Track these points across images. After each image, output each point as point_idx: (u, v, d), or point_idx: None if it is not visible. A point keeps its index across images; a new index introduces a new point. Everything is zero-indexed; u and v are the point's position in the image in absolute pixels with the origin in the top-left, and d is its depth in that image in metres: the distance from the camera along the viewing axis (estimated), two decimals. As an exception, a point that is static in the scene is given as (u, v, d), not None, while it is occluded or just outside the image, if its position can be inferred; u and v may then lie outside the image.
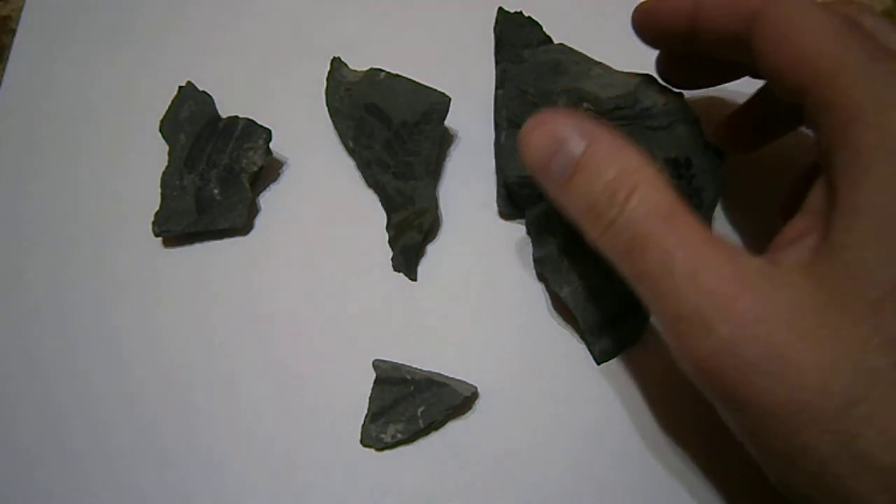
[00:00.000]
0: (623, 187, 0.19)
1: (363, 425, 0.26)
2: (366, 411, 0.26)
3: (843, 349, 0.16)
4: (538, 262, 0.27)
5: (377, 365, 0.27)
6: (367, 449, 0.26)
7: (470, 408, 0.26)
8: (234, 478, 0.26)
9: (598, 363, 0.27)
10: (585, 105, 0.25)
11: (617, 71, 0.27)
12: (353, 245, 0.29)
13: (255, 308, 0.29)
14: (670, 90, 0.26)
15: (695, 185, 0.25)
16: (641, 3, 0.24)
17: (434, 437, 0.26)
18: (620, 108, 0.25)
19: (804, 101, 0.19)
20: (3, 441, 0.27)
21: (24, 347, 0.28)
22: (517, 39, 0.29)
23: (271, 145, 0.30)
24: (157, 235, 0.29)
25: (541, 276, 0.28)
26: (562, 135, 0.20)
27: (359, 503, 0.25)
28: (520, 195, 0.28)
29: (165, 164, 0.31)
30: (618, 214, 0.19)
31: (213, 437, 0.27)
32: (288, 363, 0.28)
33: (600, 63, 0.28)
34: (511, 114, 0.28)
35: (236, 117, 0.30)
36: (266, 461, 0.26)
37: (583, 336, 0.27)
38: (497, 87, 0.29)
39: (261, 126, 0.30)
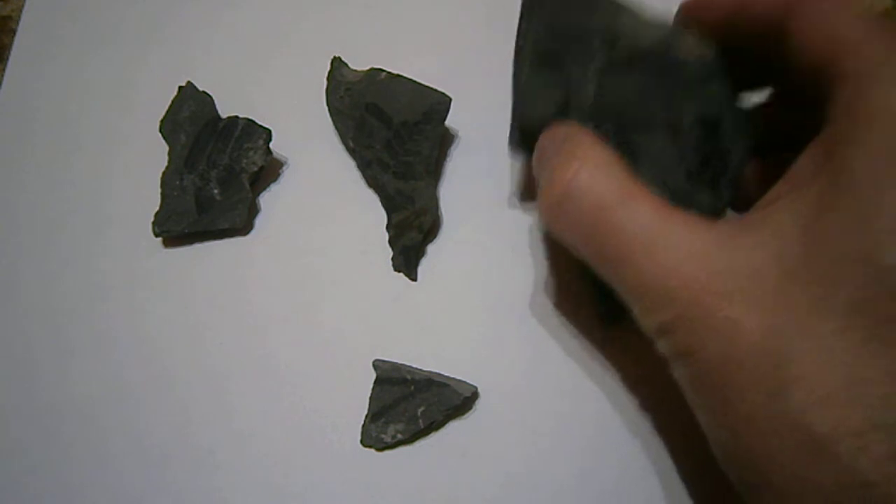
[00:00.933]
0: (571, 171, 0.20)
1: (363, 425, 0.26)
2: (366, 411, 0.26)
3: (789, 313, 0.17)
4: None
5: (377, 365, 0.27)
6: (367, 449, 0.26)
7: (470, 408, 0.26)
8: (234, 478, 0.26)
9: (606, 326, 0.27)
10: (620, 45, 0.23)
11: (651, 17, 0.24)
12: (353, 245, 0.29)
13: (254, 308, 0.29)
14: (706, 42, 0.23)
15: (722, 147, 0.23)
16: None
17: (434, 437, 0.26)
18: (655, 55, 0.23)
19: (823, 74, 0.19)
20: (2, 441, 0.27)
21: (22, 347, 0.28)
22: None
23: (271, 145, 0.30)
24: (157, 235, 0.29)
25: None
26: (554, 133, 0.22)
27: (359, 503, 0.25)
28: (535, 136, 0.24)
29: (165, 164, 0.31)
30: (569, 200, 0.20)
31: (213, 437, 0.27)
32: (288, 363, 0.28)
33: (633, 7, 0.25)
34: (538, 47, 0.24)
35: (236, 117, 0.30)
36: (266, 461, 0.26)
37: (594, 301, 0.27)
38: (521, 19, 0.26)
39: (261, 126, 0.30)
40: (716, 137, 0.23)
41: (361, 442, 0.26)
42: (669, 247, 0.19)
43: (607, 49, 0.23)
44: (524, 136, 0.25)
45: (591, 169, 0.20)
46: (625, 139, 0.22)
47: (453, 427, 0.26)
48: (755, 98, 0.25)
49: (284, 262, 0.29)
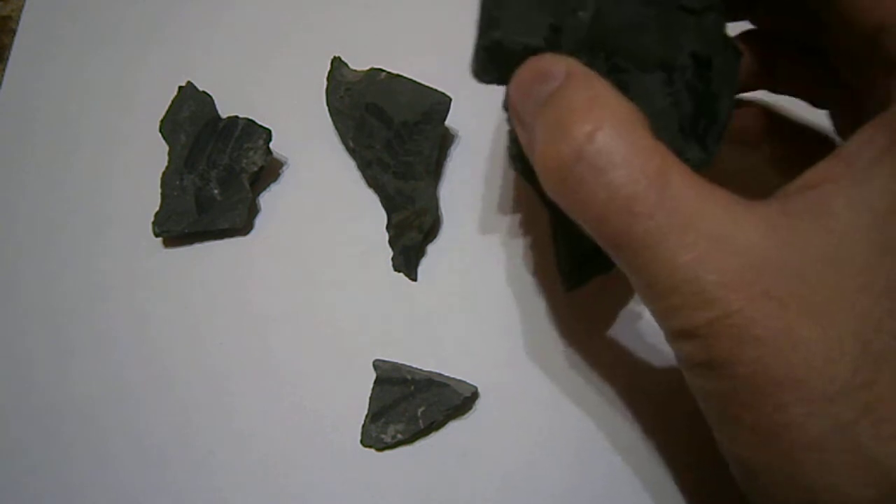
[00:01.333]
0: (587, 129, 0.16)
1: (363, 425, 0.26)
2: (366, 411, 0.26)
3: (853, 327, 0.15)
4: (516, 157, 0.23)
5: (377, 365, 0.27)
6: (367, 449, 0.26)
7: (470, 408, 0.26)
8: (234, 478, 0.26)
9: (567, 289, 0.26)
10: None
11: None
12: (353, 245, 0.29)
13: (255, 308, 0.29)
14: None
15: (712, 92, 0.20)
16: None
17: (434, 437, 0.26)
18: None
19: (885, 38, 0.17)
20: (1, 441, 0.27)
21: (22, 347, 0.28)
22: None
23: (271, 145, 0.30)
24: (157, 235, 0.29)
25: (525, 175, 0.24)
26: (548, 67, 0.18)
27: (358, 503, 0.25)
28: (509, 63, 0.20)
29: (165, 164, 0.31)
30: (583, 168, 0.16)
31: (213, 437, 0.27)
32: (288, 363, 0.28)
33: None
34: None
35: (236, 117, 0.30)
36: (266, 461, 0.26)
37: (557, 263, 0.26)
38: None
39: (261, 126, 0.30)
40: (708, 80, 0.20)
41: (361, 442, 0.26)
42: (710, 235, 0.15)
43: None
44: (495, 61, 0.20)
45: (612, 130, 0.16)
46: (617, 79, 0.19)
47: (453, 427, 0.26)
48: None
49: (284, 262, 0.29)
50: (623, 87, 0.19)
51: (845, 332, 0.15)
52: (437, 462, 0.26)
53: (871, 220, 0.15)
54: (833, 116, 0.22)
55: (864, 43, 0.18)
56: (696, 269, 0.15)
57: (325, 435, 0.26)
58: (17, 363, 0.28)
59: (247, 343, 0.28)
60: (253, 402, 0.27)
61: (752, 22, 0.23)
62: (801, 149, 0.24)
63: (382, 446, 0.26)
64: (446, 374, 0.27)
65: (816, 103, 0.23)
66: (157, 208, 0.30)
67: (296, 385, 0.27)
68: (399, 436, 0.26)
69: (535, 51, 0.19)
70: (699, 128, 0.20)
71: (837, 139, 0.23)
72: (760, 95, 0.25)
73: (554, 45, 0.19)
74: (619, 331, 0.27)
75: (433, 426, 0.26)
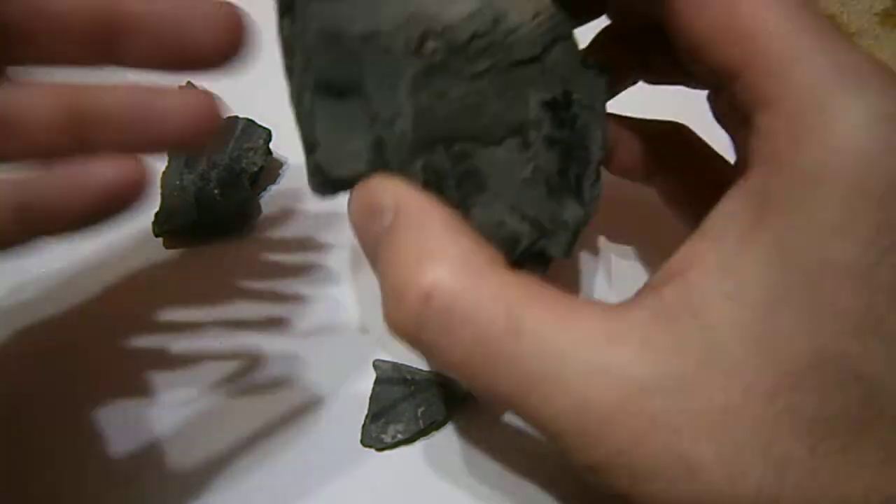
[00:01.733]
0: (425, 279, 0.15)
1: (363, 425, 0.26)
2: (366, 411, 0.26)
3: (749, 438, 0.14)
4: None
5: (377, 365, 0.27)
6: (367, 449, 0.26)
7: (470, 408, 0.26)
8: (233, 479, 0.26)
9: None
10: (431, 45, 0.17)
11: None
12: (354, 245, 0.29)
13: (254, 308, 0.29)
14: None
15: (578, 127, 0.18)
16: None
17: (434, 437, 0.26)
18: (480, 36, 0.17)
19: (730, 86, 0.15)
20: None
21: (22, 348, 0.28)
22: None
23: (271, 145, 0.30)
24: (157, 235, 0.29)
25: None
26: (377, 199, 0.17)
27: (359, 503, 0.25)
28: (339, 186, 0.19)
29: (165, 164, 0.31)
30: (429, 323, 0.15)
31: (212, 437, 0.27)
32: (288, 363, 0.28)
33: None
34: (315, 67, 0.18)
35: (236, 117, 0.31)
36: (265, 461, 0.26)
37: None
38: (280, 17, 0.19)
39: (261, 126, 0.30)
40: (571, 120, 0.18)
41: (361, 442, 0.26)
42: (581, 372, 0.14)
43: (416, 51, 0.17)
44: (326, 183, 0.18)
45: (449, 283, 0.15)
46: (465, 167, 0.18)
47: (453, 427, 0.26)
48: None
49: (284, 262, 0.29)
50: (472, 174, 0.18)
51: (742, 445, 0.14)
52: (437, 462, 0.26)
53: (745, 313, 0.14)
54: (711, 99, 0.20)
55: (717, 81, 0.16)
56: (576, 412, 0.14)
57: (325, 435, 0.26)
58: (16, 362, 0.28)
59: (246, 343, 0.28)
60: (252, 402, 0.27)
61: (609, 18, 0.21)
62: (698, 177, 0.22)
63: (382, 446, 0.26)
64: (446, 374, 0.27)
65: (695, 85, 0.21)
66: (157, 208, 0.30)
67: (295, 385, 0.27)
68: (399, 436, 0.26)
69: (361, 175, 0.17)
70: (572, 179, 0.19)
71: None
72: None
73: (381, 162, 0.17)
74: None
75: (433, 426, 0.26)
